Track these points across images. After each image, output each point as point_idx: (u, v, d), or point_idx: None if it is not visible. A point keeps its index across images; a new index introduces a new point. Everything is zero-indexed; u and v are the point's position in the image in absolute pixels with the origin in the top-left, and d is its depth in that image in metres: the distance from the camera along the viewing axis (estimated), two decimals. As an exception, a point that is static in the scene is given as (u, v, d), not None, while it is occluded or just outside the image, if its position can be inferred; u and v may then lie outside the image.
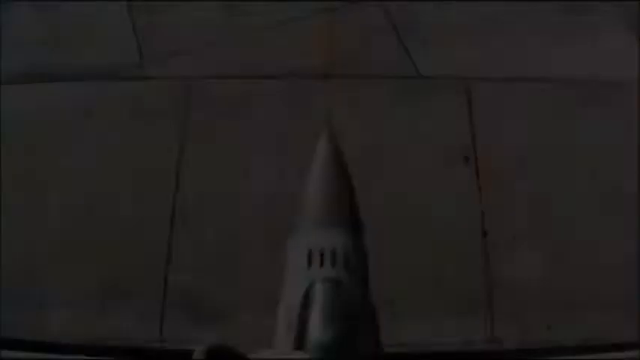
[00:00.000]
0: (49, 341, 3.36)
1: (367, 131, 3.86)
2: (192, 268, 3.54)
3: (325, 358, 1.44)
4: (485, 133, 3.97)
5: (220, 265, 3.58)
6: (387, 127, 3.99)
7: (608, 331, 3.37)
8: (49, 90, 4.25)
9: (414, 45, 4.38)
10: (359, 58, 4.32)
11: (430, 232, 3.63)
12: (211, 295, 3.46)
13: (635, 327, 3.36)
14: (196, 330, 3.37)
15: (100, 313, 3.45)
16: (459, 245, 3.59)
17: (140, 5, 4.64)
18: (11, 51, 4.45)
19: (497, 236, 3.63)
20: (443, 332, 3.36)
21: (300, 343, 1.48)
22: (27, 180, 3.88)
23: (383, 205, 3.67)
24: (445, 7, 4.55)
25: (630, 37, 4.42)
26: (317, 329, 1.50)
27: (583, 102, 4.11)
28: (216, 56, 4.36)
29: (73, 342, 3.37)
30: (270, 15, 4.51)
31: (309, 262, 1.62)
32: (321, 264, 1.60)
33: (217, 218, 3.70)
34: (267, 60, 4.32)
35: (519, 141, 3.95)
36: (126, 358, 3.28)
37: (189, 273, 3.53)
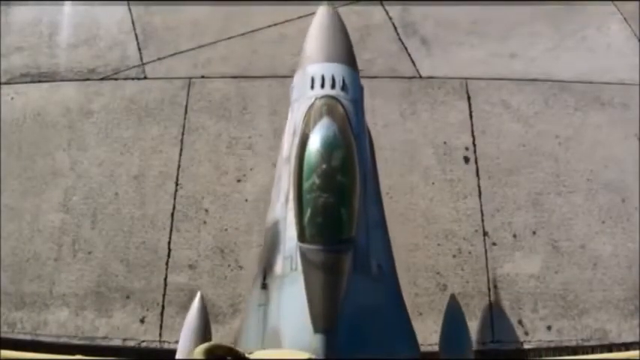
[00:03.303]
0: (48, 341, 3.38)
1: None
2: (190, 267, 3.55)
3: (324, 149, 1.69)
4: (485, 133, 3.97)
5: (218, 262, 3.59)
6: (387, 127, 3.99)
7: (608, 331, 3.38)
8: (49, 90, 4.26)
9: (414, 45, 4.39)
10: (358, 58, 4.31)
11: (430, 232, 3.64)
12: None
13: (635, 327, 3.37)
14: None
15: (100, 313, 3.46)
16: (460, 245, 3.59)
17: (140, 5, 4.65)
18: (11, 51, 4.46)
19: (498, 236, 3.63)
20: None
21: (302, 146, 1.72)
22: (27, 179, 3.89)
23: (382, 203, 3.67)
24: (445, 7, 4.55)
25: (630, 37, 4.42)
26: (319, 132, 1.74)
27: (583, 102, 4.11)
28: (215, 56, 4.36)
29: (72, 342, 3.40)
30: (270, 15, 4.51)
31: (312, 86, 1.95)
32: (322, 86, 1.94)
33: (216, 215, 3.71)
34: (267, 60, 4.32)
35: (519, 141, 3.96)
36: (126, 358, 3.29)
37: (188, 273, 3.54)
